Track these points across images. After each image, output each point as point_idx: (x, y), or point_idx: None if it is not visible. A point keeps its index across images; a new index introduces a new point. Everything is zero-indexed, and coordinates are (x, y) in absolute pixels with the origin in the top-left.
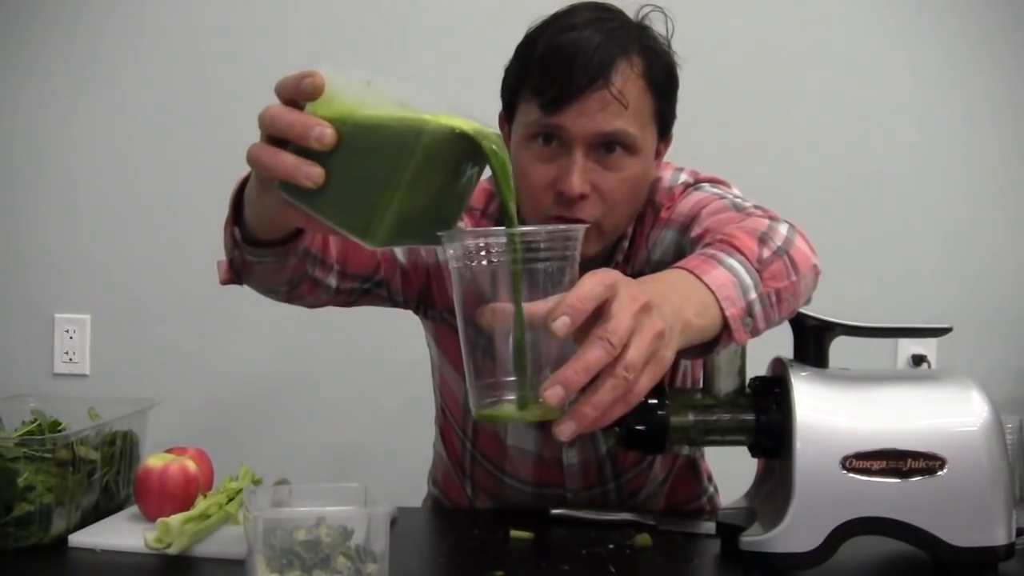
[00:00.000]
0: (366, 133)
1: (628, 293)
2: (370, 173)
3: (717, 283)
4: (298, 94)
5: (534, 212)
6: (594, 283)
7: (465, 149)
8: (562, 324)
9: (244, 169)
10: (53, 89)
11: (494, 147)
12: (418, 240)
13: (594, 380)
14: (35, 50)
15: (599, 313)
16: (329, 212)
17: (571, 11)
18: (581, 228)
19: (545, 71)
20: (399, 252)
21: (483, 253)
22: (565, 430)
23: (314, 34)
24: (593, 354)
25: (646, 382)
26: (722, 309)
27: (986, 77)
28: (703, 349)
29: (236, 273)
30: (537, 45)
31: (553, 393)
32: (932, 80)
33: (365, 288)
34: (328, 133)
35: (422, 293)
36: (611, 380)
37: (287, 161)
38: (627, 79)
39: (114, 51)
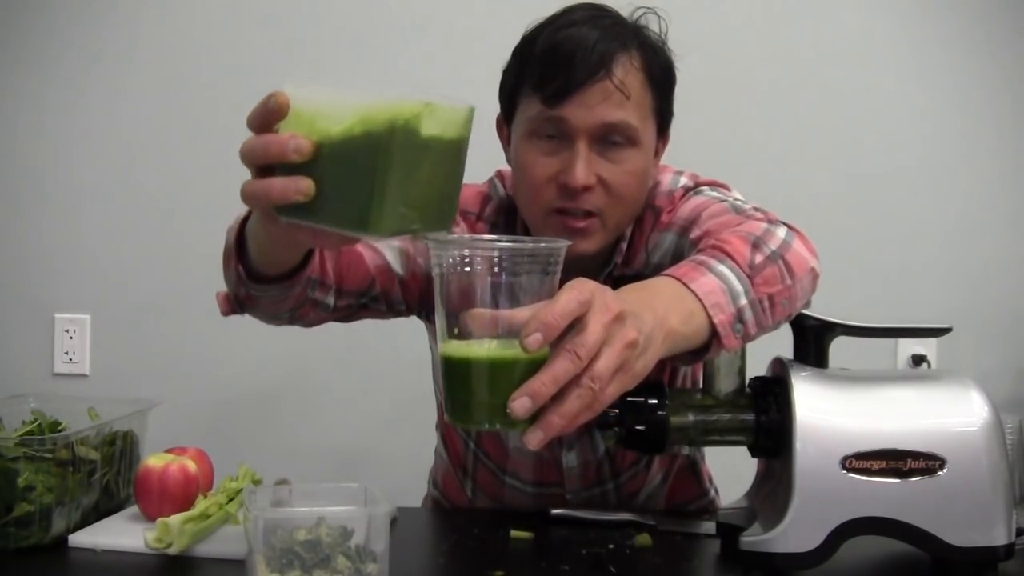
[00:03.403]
0: (341, 134)
1: (602, 303)
2: (354, 170)
3: (705, 290)
4: (267, 115)
5: (537, 206)
6: (569, 299)
7: (438, 121)
8: (534, 340)
9: (244, 169)
10: (54, 89)
11: (456, 107)
12: (423, 226)
13: (562, 389)
14: (35, 51)
15: (573, 323)
16: (329, 218)
17: (568, 11)
18: (564, 244)
19: (546, 66)
20: (396, 264)
21: (466, 261)
22: (533, 439)
23: (314, 35)
24: (560, 366)
25: (613, 391)
26: (709, 316)
27: (986, 77)
28: (695, 355)
29: (239, 305)
30: (536, 43)
31: (520, 404)
32: (932, 80)
33: (362, 303)
34: (304, 143)
35: (423, 298)
36: (577, 390)
37: (276, 184)
38: (628, 71)
39: (115, 51)
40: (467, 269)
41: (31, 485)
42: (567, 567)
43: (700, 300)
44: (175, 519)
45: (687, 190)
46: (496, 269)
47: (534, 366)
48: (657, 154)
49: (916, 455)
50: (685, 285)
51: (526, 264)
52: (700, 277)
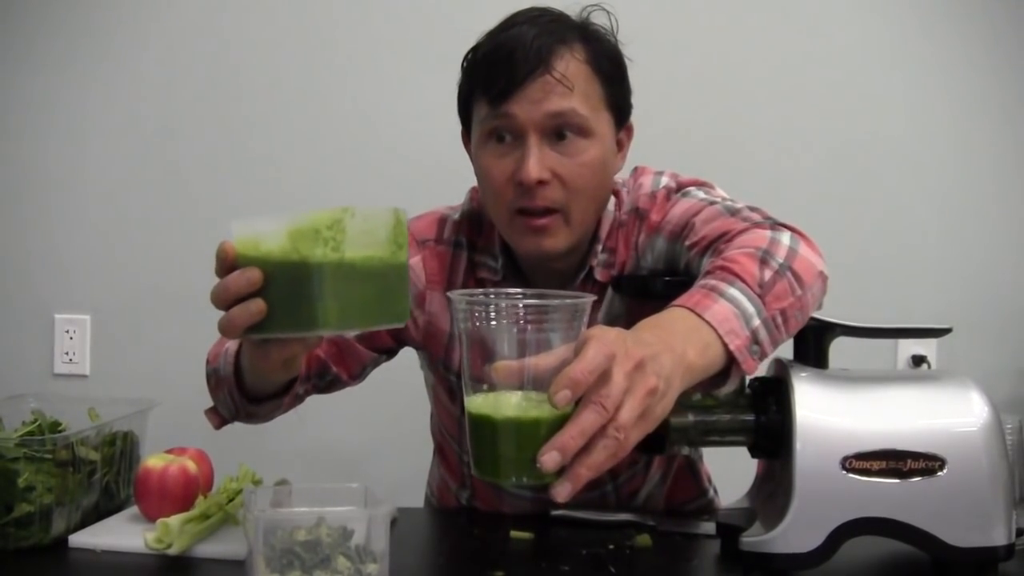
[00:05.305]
0: (280, 253)
1: (624, 352)
2: (296, 278)
3: (718, 319)
4: (222, 261)
5: (500, 209)
6: (596, 353)
7: (363, 222)
8: (563, 397)
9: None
10: (55, 89)
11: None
12: (368, 319)
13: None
14: (38, 50)
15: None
16: (287, 326)
17: (511, 16)
18: (590, 299)
19: (489, 68)
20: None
21: (491, 317)
22: (563, 492)
23: (320, 35)
24: (588, 419)
25: (635, 437)
26: (725, 344)
27: (983, 77)
28: (715, 382)
29: (233, 420)
30: (480, 50)
31: (550, 459)
32: (929, 79)
33: (328, 381)
34: (255, 274)
35: (399, 343)
36: (603, 440)
37: (235, 313)
38: (569, 63)
39: (117, 52)
40: (492, 324)
41: (31, 485)
42: (567, 567)
43: (714, 329)
44: (175, 520)
45: (670, 191)
46: (521, 323)
47: (559, 419)
48: (621, 146)
49: (916, 455)
50: (699, 315)
51: (551, 319)
52: (712, 305)
